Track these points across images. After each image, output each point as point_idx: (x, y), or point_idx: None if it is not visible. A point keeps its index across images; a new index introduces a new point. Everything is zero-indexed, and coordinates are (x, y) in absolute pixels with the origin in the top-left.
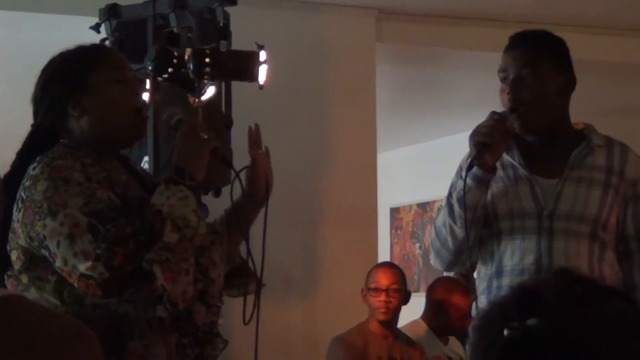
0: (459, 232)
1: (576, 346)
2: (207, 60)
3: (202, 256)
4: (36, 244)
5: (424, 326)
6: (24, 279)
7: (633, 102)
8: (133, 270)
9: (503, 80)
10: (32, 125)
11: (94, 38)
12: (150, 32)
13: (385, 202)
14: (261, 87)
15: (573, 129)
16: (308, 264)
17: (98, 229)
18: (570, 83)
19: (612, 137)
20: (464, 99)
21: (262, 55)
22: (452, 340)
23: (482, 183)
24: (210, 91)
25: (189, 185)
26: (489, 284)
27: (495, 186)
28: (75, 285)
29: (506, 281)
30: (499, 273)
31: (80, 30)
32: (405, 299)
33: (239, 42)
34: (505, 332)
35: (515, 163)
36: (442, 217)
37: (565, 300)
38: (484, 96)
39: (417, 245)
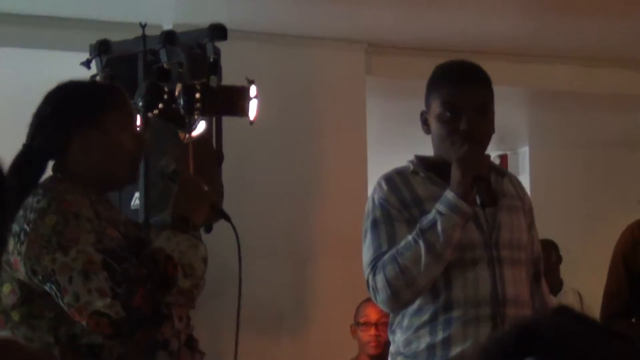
0: (439, 269)
1: None
2: (197, 95)
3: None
4: (40, 278)
5: None
6: (15, 315)
7: (621, 133)
8: (150, 312)
9: (452, 111)
10: (24, 146)
11: (85, 74)
12: (141, 67)
13: None
14: (252, 122)
15: None
16: (298, 299)
17: (113, 267)
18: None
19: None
20: None
21: (253, 90)
22: None
23: (468, 220)
24: (200, 126)
25: (194, 234)
26: (433, 317)
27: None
28: (83, 322)
29: (458, 313)
30: (447, 306)
31: (71, 66)
32: None
33: (230, 77)
34: None
35: None
36: (412, 256)
37: (566, 339)
38: None
39: None
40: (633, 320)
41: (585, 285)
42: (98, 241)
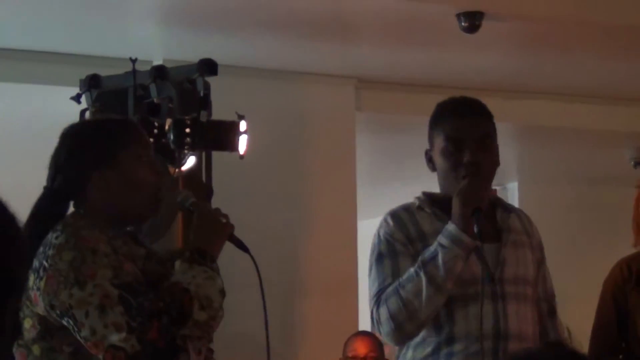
0: (441, 301)
1: None
2: (187, 130)
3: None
4: (58, 312)
5: None
6: (36, 349)
7: (608, 169)
8: (165, 345)
9: (455, 146)
10: (45, 188)
11: (74, 108)
12: (131, 102)
13: (366, 271)
14: (241, 156)
15: None
16: (288, 334)
17: (129, 302)
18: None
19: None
20: None
21: (243, 125)
22: None
23: (469, 253)
24: (190, 161)
25: (212, 266)
26: (435, 350)
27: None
28: (100, 356)
29: (459, 347)
30: (449, 340)
31: (61, 101)
32: None
33: (220, 111)
34: None
35: None
36: (413, 288)
37: None
38: None
39: None
40: (620, 357)
41: (574, 320)
42: (115, 276)
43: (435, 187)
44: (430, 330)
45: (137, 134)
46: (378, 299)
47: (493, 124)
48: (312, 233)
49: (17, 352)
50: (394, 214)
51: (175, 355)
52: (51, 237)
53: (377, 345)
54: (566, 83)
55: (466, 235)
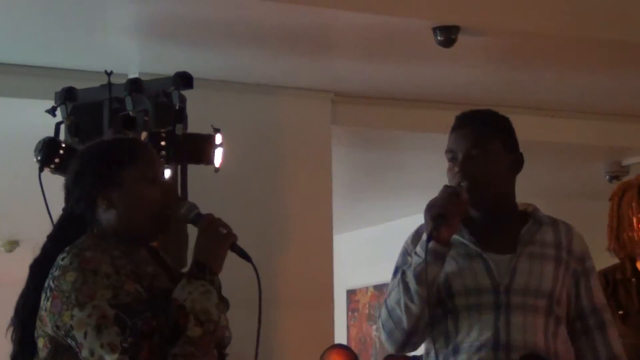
0: (416, 309)
1: None
2: (162, 143)
3: (225, 347)
4: (63, 333)
5: None
6: None
7: (584, 183)
8: None
9: (451, 159)
10: (63, 210)
11: (50, 121)
12: (106, 115)
13: (341, 284)
14: (217, 169)
15: (517, 208)
16: (262, 346)
17: (125, 322)
18: (518, 161)
19: (554, 217)
20: (419, 181)
21: (218, 139)
22: None
23: (439, 258)
24: (166, 174)
25: (210, 279)
26: None
27: (448, 265)
28: None
29: (463, 357)
30: (455, 351)
31: (36, 114)
32: None
33: (195, 125)
34: None
35: (465, 241)
36: (395, 296)
37: None
38: (439, 178)
39: (374, 327)
40: None
41: None
42: (113, 297)
43: (411, 203)
44: (440, 341)
45: (142, 152)
46: (380, 308)
47: (488, 132)
48: (288, 246)
49: None
50: (418, 227)
51: None
52: (59, 258)
53: (354, 359)
54: (542, 97)
55: (432, 242)
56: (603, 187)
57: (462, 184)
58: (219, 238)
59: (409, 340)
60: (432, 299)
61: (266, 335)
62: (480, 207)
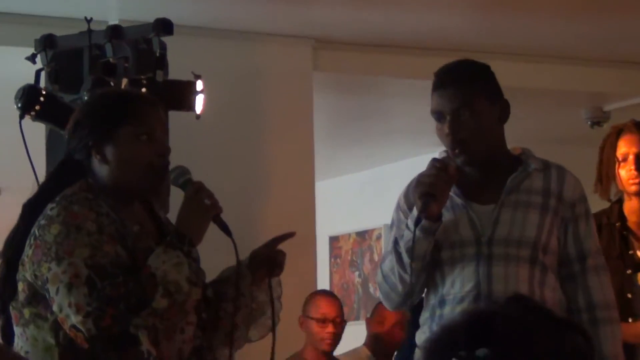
0: (409, 278)
1: None
2: (143, 90)
3: (206, 310)
4: (40, 283)
5: (366, 353)
6: (26, 313)
7: (565, 129)
8: (119, 333)
9: (438, 119)
10: (65, 154)
11: (30, 69)
12: (86, 62)
13: (324, 231)
14: (198, 116)
15: (510, 155)
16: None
17: (95, 284)
18: (505, 110)
19: (549, 160)
20: (401, 127)
21: (199, 85)
22: None
23: (430, 233)
24: None
25: (187, 250)
26: (432, 313)
27: None
28: (67, 332)
29: (447, 310)
30: (441, 303)
31: (16, 61)
32: (343, 329)
33: (176, 71)
34: None
35: (450, 193)
36: (389, 264)
37: (517, 330)
38: (420, 124)
39: (357, 273)
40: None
41: None
42: (90, 256)
43: (393, 150)
44: (430, 294)
45: (140, 109)
46: (377, 269)
47: (472, 90)
48: (269, 194)
49: (12, 313)
50: (411, 181)
51: (131, 343)
52: (48, 207)
53: (342, 308)
54: (523, 43)
55: (424, 218)
56: (584, 133)
57: (455, 151)
58: (202, 209)
59: (406, 300)
60: (425, 268)
61: None
62: (474, 163)
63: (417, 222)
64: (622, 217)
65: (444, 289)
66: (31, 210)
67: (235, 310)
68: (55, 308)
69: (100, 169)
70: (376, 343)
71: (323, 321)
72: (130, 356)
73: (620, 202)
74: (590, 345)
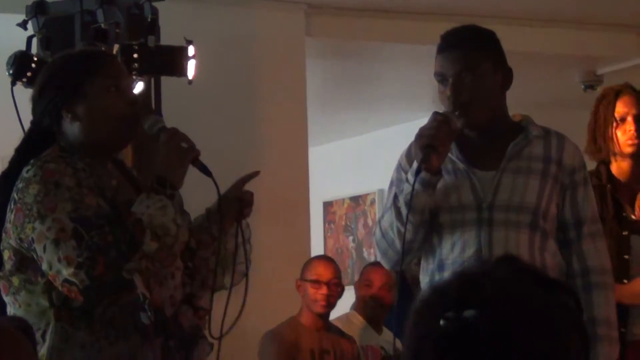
0: (408, 234)
1: (513, 342)
2: (135, 55)
3: (191, 259)
4: (26, 245)
5: (358, 317)
6: (15, 281)
7: (558, 92)
8: (113, 279)
9: (441, 82)
10: (31, 123)
11: (21, 35)
12: (78, 28)
13: (318, 197)
14: (190, 81)
15: (511, 122)
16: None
17: (82, 236)
18: (508, 76)
19: (549, 127)
20: (394, 92)
21: (191, 50)
22: (386, 330)
23: (429, 186)
24: (139, 87)
25: (170, 194)
26: (431, 278)
27: None
28: (60, 289)
29: (447, 274)
30: (440, 267)
31: (7, 28)
32: (341, 293)
33: (167, 37)
34: (441, 322)
35: (453, 157)
36: (388, 219)
37: (506, 291)
38: (413, 89)
39: (351, 238)
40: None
41: None
42: (74, 210)
43: (386, 115)
44: (428, 258)
45: (106, 63)
46: (375, 226)
47: (476, 53)
48: (262, 160)
49: (1, 284)
50: (412, 141)
51: (125, 288)
52: (24, 170)
53: (339, 272)
54: (516, 7)
55: (424, 170)
56: (578, 96)
57: (455, 113)
58: (180, 152)
59: (403, 259)
60: (424, 224)
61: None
62: (475, 128)
63: (417, 173)
64: (612, 179)
65: (442, 253)
66: (5, 182)
67: (214, 256)
68: (44, 266)
69: (72, 128)
70: (365, 306)
71: (317, 283)
72: (125, 303)
73: (605, 163)
74: (579, 306)
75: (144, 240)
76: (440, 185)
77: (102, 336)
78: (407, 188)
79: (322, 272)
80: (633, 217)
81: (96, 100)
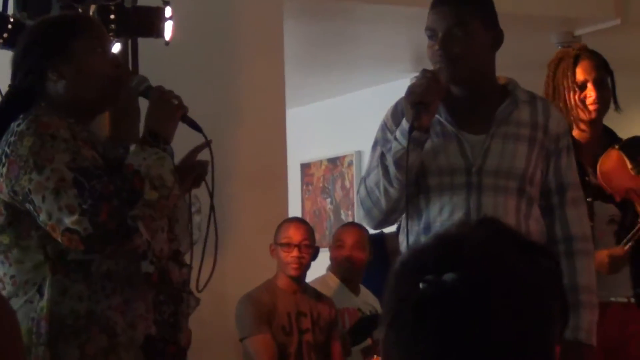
0: (394, 193)
1: (493, 305)
2: (111, 16)
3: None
4: (20, 198)
5: (333, 279)
6: (5, 239)
7: (535, 54)
8: (117, 227)
9: (431, 37)
10: (10, 86)
11: None
12: None
13: (295, 158)
14: (167, 43)
15: (498, 84)
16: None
17: (83, 185)
18: (498, 37)
19: (534, 92)
20: (372, 54)
21: (168, 12)
22: (364, 290)
23: (419, 144)
24: (115, 48)
25: (164, 147)
26: (417, 239)
27: None
28: (59, 239)
29: None
30: (426, 229)
31: None
32: (314, 255)
33: None
34: (420, 285)
35: (442, 119)
36: (374, 177)
37: (485, 253)
38: (391, 51)
39: (328, 200)
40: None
41: None
42: (72, 160)
43: (364, 76)
44: (414, 219)
45: (90, 26)
46: (359, 185)
47: (468, 10)
48: (240, 121)
49: None
50: (397, 101)
51: (128, 236)
52: (14, 125)
53: (311, 233)
54: None
55: (414, 129)
56: None
57: (443, 66)
58: (170, 108)
59: (388, 218)
60: (410, 183)
61: (220, 211)
62: (461, 84)
63: (410, 130)
64: (575, 143)
65: (430, 215)
66: None
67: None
68: (43, 217)
69: (57, 88)
70: (339, 268)
71: (288, 246)
72: (127, 251)
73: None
74: (559, 270)
75: (144, 190)
76: (428, 147)
77: (99, 288)
78: (395, 146)
79: (293, 234)
80: (594, 180)
81: (83, 59)
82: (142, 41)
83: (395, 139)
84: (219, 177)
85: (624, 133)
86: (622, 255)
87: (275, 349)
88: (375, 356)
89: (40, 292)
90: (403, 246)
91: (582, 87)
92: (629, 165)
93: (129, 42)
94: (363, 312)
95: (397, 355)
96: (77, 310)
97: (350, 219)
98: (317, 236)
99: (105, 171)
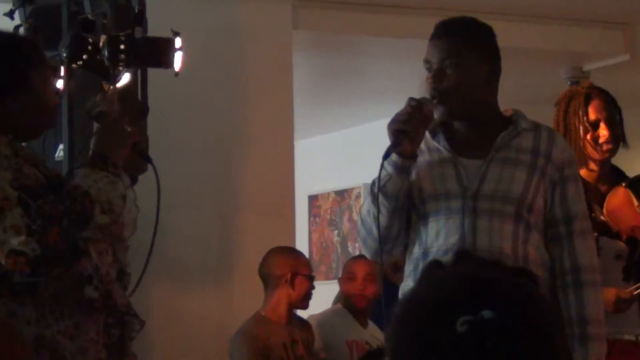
0: (383, 220)
1: (535, 334)
2: (122, 47)
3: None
4: None
5: (344, 311)
6: None
7: (544, 89)
8: (66, 248)
9: (428, 69)
10: None
11: (8, 25)
12: (65, 18)
13: (303, 190)
14: (177, 73)
15: (501, 116)
16: (223, 252)
17: (29, 204)
18: (494, 71)
19: (539, 122)
20: (380, 87)
21: (178, 42)
22: (371, 324)
23: (402, 171)
24: (125, 78)
25: (113, 172)
26: (415, 265)
27: (422, 170)
28: (2, 262)
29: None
30: (425, 255)
31: None
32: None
33: (155, 28)
34: (459, 326)
35: (440, 147)
36: (366, 206)
37: (516, 292)
38: (400, 84)
39: (335, 232)
40: None
41: None
42: (14, 178)
43: (372, 109)
44: (414, 245)
45: (43, 53)
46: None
47: (461, 44)
48: (249, 152)
49: None
50: None
51: (77, 259)
52: None
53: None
54: (502, 2)
55: (397, 156)
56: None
57: (434, 101)
58: (121, 135)
59: (383, 247)
60: (402, 208)
61: (227, 242)
62: (457, 118)
63: (385, 156)
64: (582, 181)
65: (427, 240)
66: None
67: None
68: None
69: (12, 116)
70: (350, 300)
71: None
72: (67, 278)
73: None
74: (537, 287)
75: (94, 212)
76: (427, 174)
77: (48, 312)
78: (382, 173)
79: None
80: (602, 217)
81: (41, 90)
82: (151, 71)
83: (382, 166)
84: (225, 206)
85: (631, 170)
86: (630, 298)
87: None
88: None
89: None
90: (407, 272)
91: (595, 126)
92: (636, 203)
93: (139, 72)
94: (370, 346)
95: None
96: (26, 334)
97: (357, 252)
98: (324, 269)
99: (49, 190)
